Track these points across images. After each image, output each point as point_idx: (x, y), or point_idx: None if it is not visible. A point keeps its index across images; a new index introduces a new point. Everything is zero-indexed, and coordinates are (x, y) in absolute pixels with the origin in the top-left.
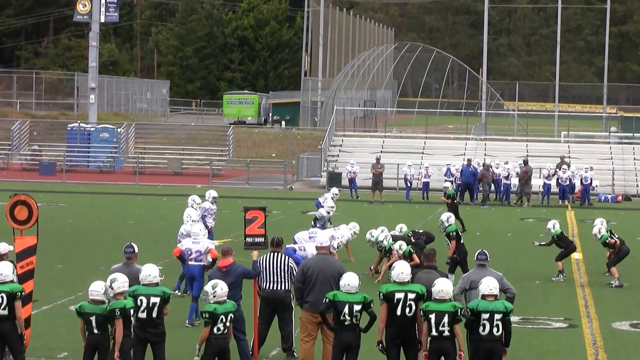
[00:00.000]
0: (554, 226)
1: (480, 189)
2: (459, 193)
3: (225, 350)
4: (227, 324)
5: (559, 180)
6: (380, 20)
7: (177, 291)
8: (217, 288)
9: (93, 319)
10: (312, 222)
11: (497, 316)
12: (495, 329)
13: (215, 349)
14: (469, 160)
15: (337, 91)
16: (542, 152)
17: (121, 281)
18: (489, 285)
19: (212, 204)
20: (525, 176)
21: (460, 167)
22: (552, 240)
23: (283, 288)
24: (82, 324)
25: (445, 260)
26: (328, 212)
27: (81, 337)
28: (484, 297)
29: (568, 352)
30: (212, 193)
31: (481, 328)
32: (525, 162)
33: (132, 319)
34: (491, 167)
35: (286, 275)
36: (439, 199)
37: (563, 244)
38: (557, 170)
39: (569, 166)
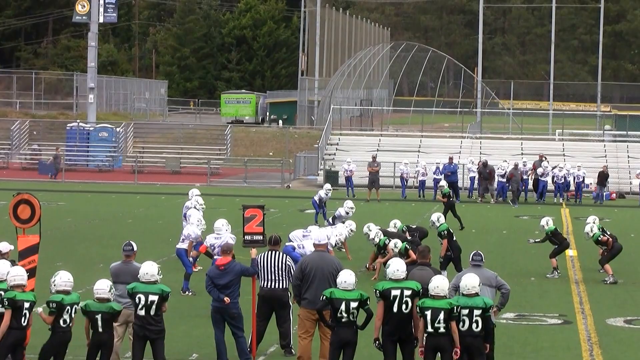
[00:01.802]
0: (547, 223)
1: (510, 188)
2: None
3: (67, 343)
4: (73, 315)
5: (555, 178)
6: (376, 20)
7: (187, 292)
8: (56, 277)
9: (99, 317)
10: (330, 220)
11: (477, 312)
12: (474, 325)
13: (60, 340)
14: (451, 159)
15: (334, 90)
16: (536, 150)
17: (12, 274)
18: (466, 284)
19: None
20: (486, 175)
21: (443, 165)
22: (546, 236)
23: (281, 286)
24: (87, 322)
25: (438, 258)
26: (347, 213)
27: (85, 335)
28: (463, 294)
29: (563, 348)
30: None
31: (460, 324)
32: (484, 164)
33: (26, 312)
34: (517, 165)
35: (284, 273)
36: (429, 196)
37: (557, 241)
38: (538, 168)
39: (547, 163)
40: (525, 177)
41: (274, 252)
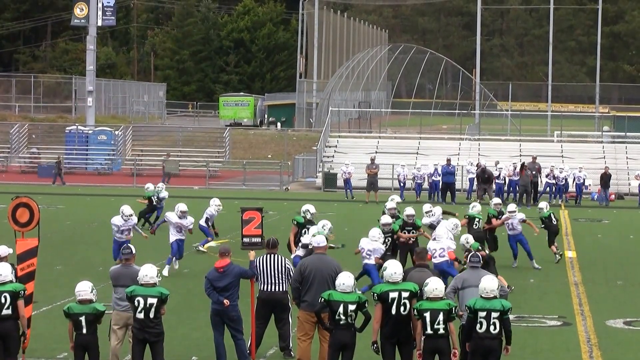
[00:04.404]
0: (546, 207)
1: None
2: (437, 192)
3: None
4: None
5: (556, 180)
6: (374, 22)
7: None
8: None
9: (83, 319)
10: (204, 222)
11: (494, 314)
12: (492, 327)
13: None
14: (449, 160)
15: (332, 92)
16: (535, 151)
17: None
18: (485, 287)
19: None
20: (485, 179)
21: (441, 166)
22: (542, 222)
23: (281, 289)
24: (71, 325)
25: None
26: (217, 211)
27: (69, 338)
28: (481, 297)
29: (562, 350)
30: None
31: (478, 326)
32: (483, 170)
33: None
34: (527, 167)
35: (283, 276)
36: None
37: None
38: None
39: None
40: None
41: (272, 255)
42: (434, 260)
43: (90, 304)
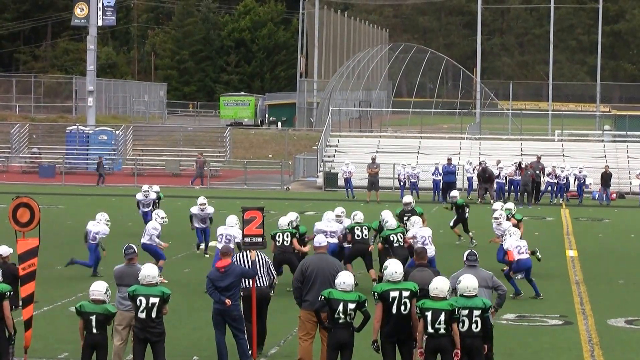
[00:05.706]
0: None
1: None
2: (438, 192)
3: None
4: None
5: (557, 179)
6: (375, 22)
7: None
8: None
9: (93, 318)
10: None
11: (476, 312)
12: (474, 325)
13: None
14: (449, 159)
15: (333, 92)
16: (536, 151)
17: None
18: (467, 286)
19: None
20: (485, 178)
21: (442, 166)
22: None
23: (266, 284)
24: (82, 323)
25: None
26: (201, 210)
27: (79, 336)
28: (462, 295)
29: (564, 349)
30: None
31: (460, 324)
32: (484, 169)
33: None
34: (528, 167)
35: (265, 270)
36: (429, 197)
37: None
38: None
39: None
40: (538, 179)
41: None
42: (519, 257)
43: (102, 305)
